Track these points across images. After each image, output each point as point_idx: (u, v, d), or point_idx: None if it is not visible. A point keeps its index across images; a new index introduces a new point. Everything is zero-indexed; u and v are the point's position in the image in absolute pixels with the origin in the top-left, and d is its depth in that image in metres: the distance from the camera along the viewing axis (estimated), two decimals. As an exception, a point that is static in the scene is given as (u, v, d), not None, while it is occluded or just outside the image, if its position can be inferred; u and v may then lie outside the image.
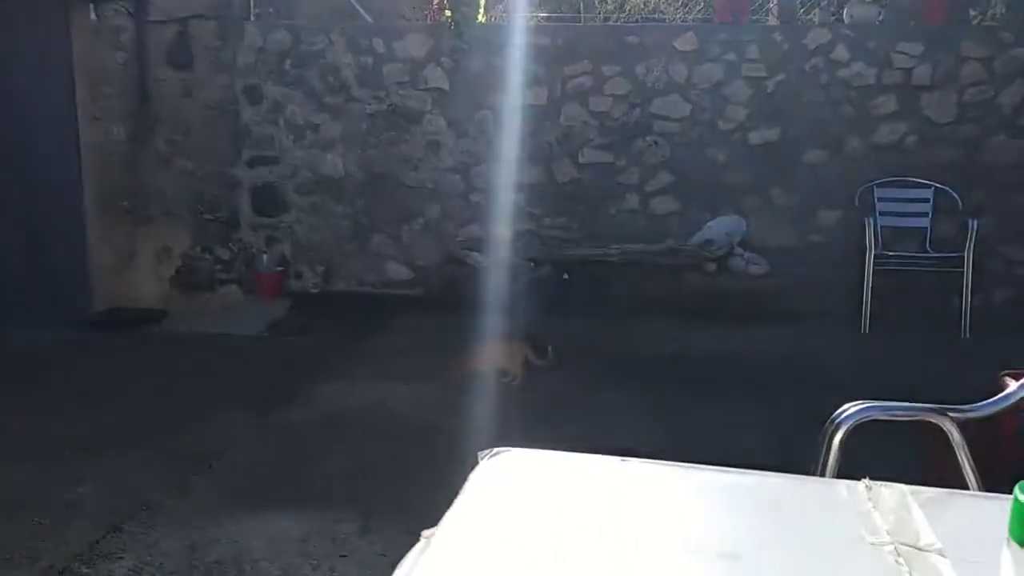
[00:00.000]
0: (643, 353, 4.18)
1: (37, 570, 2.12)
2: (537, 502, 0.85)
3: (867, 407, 1.54)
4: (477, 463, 0.92)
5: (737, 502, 0.88)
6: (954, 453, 2.39)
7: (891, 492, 0.87)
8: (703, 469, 0.94)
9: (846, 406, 1.55)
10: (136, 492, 2.58)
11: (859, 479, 0.97)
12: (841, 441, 1.50)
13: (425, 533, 0.77)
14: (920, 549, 0.71)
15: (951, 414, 1.54)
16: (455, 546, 0.75)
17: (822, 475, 1.50)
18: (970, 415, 1.57)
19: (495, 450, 0.97)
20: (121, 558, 2.18)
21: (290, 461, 2.89)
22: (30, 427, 3.14)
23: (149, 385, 3.68)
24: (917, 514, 0.79)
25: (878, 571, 0.70)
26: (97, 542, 2.27)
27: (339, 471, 2.79)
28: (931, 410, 1.55)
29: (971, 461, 1.54)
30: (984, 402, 1.60)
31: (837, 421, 1.53)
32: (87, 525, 2.36)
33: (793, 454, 3.01)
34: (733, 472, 0.93)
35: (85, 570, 2.13)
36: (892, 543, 0.72)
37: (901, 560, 0.70)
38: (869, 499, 0.84)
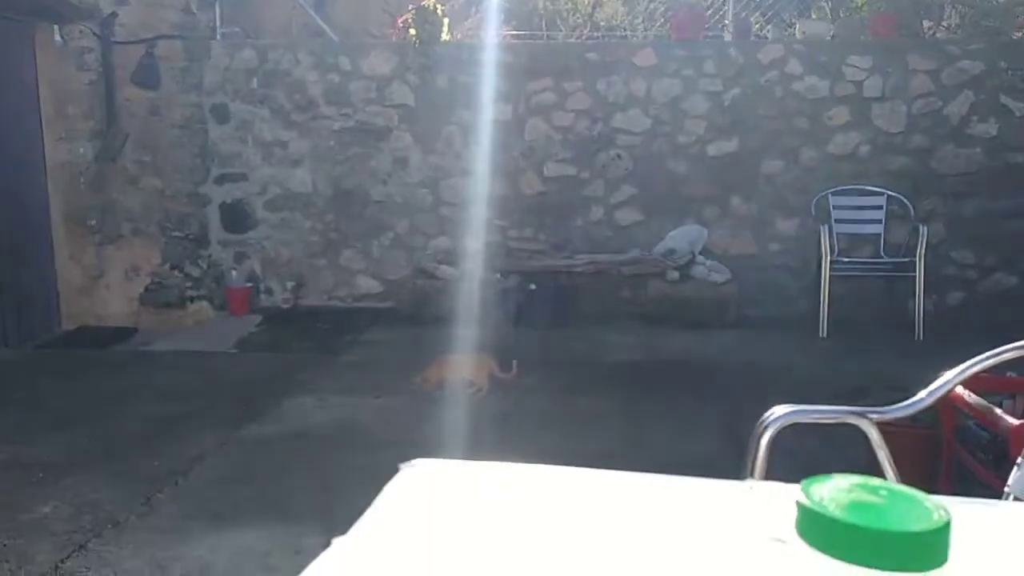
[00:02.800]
0: (608, 360, 4.27)
1: (1, 590, 2.15)
2: (447, 510, 0.89)
3: (792, 411, 1.63)
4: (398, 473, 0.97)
5: (640, 506, 0.93)
6: (912, 454, 2.50)
7: (771, 489, 0.93)
8: (618, 474, 0.99)
9: (773, 409, 1.64)
10: (101, 511, 2.61)
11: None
12: (768, 443, 1.60)
13: (335, 540, 0.81)
14: (780, 540, 0.79)
15: (870, 415, 1.63)
16: (361, 551, 0.80)
17: (752, 475, 1.58)
18: (888, 416, 1.66)
19: (413, 461, 1.02)
20: (86, 576, 2.22)
21: (257, 476, 2.93)
22: (-4, 448, 3.15)
23: (117, 403, 3.69)
24: (788, 509, 0.86)
25: (748, 565, 0.76)
26: (62, 561, 2.29)
27: (305, 485, 2.83)
28: (851, 412, 1.64)
29: (891, 460, 1.63)
30: (899, 404, 1.69)
31: (765, 424, 1.62)
32: (52, 545, 2.39)
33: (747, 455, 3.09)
34: (645, 476, 0.99)
35: (50, 589, 2.16)
36: (767, 539, 0.80)
37: (767, 553, 0.78)
38: (754, 498, 0.91)
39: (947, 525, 0.47)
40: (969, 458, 2.47)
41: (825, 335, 4.59)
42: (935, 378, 2.60)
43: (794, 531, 0.51)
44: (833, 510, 0.49)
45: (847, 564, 0.47)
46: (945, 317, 4.75)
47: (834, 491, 0.51)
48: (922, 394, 1.69)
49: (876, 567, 0.47)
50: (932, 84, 4.85)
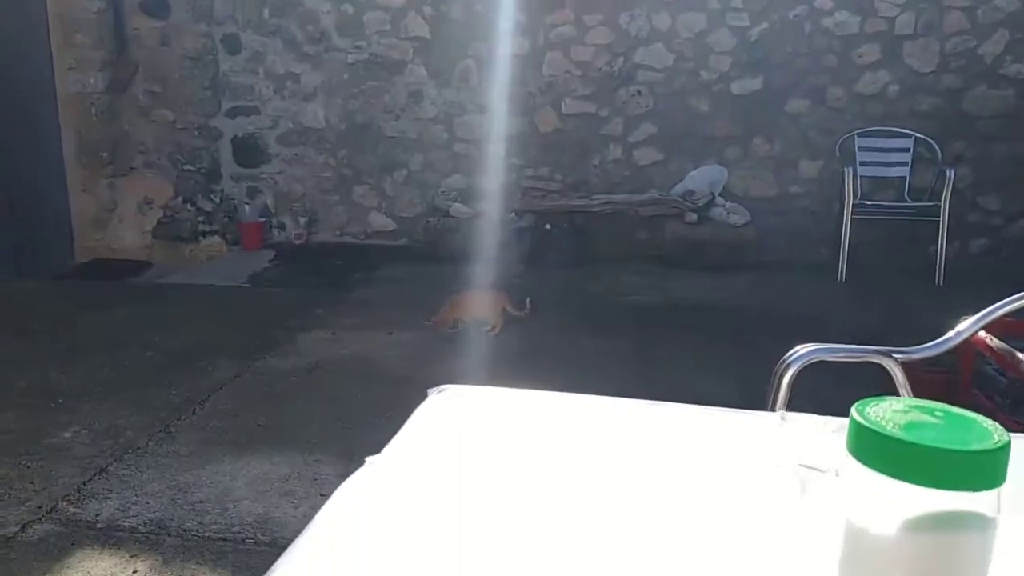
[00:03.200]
0: (623, 301, 4.25)
1: (26, 509, 2.19)
2: (478, 432, 0.89)
3: (815, 349, 1.60)
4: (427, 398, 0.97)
5: (664, 434, 0.92)
6: (925, 397, 2.44)
7: (805, 421, 0.92)
8: (641, 403, 0.98)
9: (796, 348, 1.61)
10: (121, 437, 2.65)
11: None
12: (790, 381, 1.57)
13: (369, 459, 0.82)
14: (817, 470, 0.77)
15: (895, 355, 1.60)
16: (396, 470, 0.80)
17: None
18: (914, 356, 1.63)
19: (443, 387, 1.01)
20: (108, 498, 2.25)
21: (273, 407, 2.95)
22: (13, 375, 3.18)
23: (134, 334, 3.71)
24: (825, 441, 0.85)
25: (775, 491, 0.75)
26: (84, 483, 2.33)
27: (320, 417, 2.86)
28: (876, 351, 1.61)
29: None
30: (926, 344, 1.65)
31: (787, 362, 1.59)
32: (74, 467, 2.43)
33: (760, 394, 3.10)
34: (671, 405, 0.98)
35: (73, 509, 2.20)
36: (795, 466, 0.78)
37: (798, 481, 0.76)
38: (784, 428, 0.89)
39: (1007, 445, 0.46)
40: (987, 402, 2.45)
41: (844, 279, 4.54)
42: (955, 323, 2.56)
43: (844, 452, 0.50)
44: (891, 429, 0.47)
45: (904, 483, 0.46)
46: (967, 264, 4.68)
47: (889, 411, 0.50)
48: (950, 334, 1.65)
49: (935, 486, 0.46)
50: (967, 21, 4.66)
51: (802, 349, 1.64)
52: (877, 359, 1.60)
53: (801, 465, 0.79)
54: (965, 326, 1.69)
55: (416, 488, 0.76)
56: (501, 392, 1.01)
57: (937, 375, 2.62)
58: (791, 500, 0.75)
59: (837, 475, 0.77)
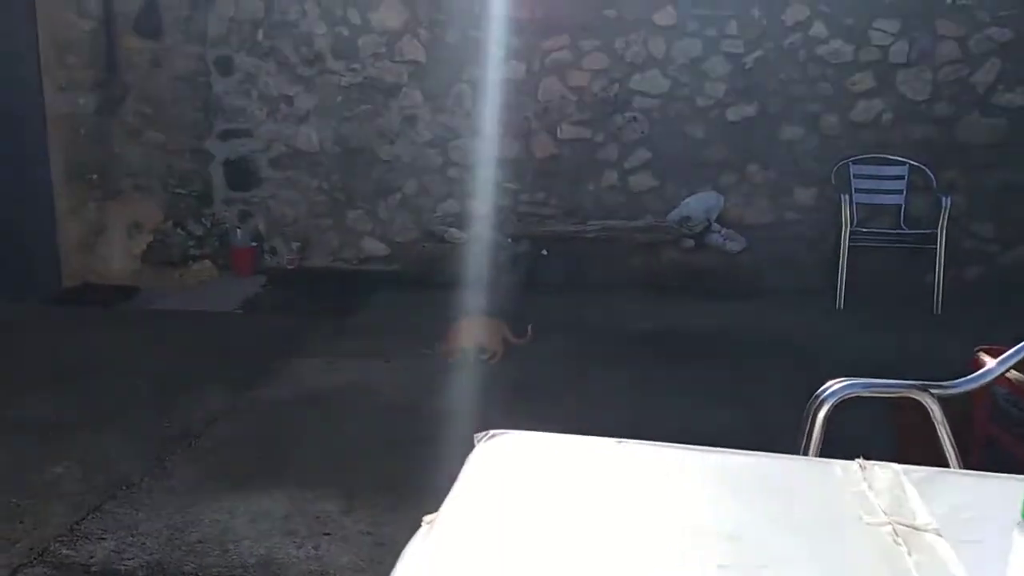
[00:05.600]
0: (621, 329, 4.21)
1: (16, 552, 2.09)
2: (537, 485, 0.85)
3: (850, 384, 1.55)
4: (473, 446, 0.91)
5: (735, 483, 0.88)
6: (926, 429, 2.44)
7: (884, 471, 0.87)
8: (698, 450, 0.94)
9: (829, 383, 1.55)
10: (114, 471, 2.55)
11: (849, 457, 0.98)
12: (825, 418, 1.52)
13: (426, 519, 0.77)
14: (917, 529, 0.71)
15: (933, 390, 1.56)
16: (458, 531, 0.75)
17: (806, 452, 1.51)
18: (951, 391, 1.59)
19: (491, 432, 0.96)
20: (103, 539, 2.16)
21: (270, 439, 2.87)
22: (1, 405, 3.07)
23: (123, 362, 3.62)
24: (912, 493, 0.79)
25: (876, 551, 0.70)
26: (78, 523, 2.24)
27: (320, 449, 2.78)
28: (913, 386, 1.57)
29: (951, 437, 1.56)
30: (965, 378, 1.62)
31: (821, 398, 1.53)
32: (66, 506, 2.33)
33: (768, 427, 3.07)
34: (729, 452, 0.94)
35: (66, 551, 2.10)
36: (889, 523, 0.73)
37: (899, 540, 0.70)
38: (864, 479, 0.84)
39: None
40: (1005, 435, 2.42)
41: (842, 307, 4.53)
42: (960, 354, 2.53)
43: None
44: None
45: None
46: (962, 291, 4.69)
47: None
48: (987, 367, 1.62)
49: None
50: (960, 51, 4.72)
51: (835, 384, 1.58)
52: (915, 394, 1.56)
53: (897, 522, 0.74)
54: (1004, 358, 1.65)
55: (489, 556, 0.70)
56: (551, 439, 0.96)
57: (951, 408, 2.59)
58: (892, 559, 0.70)
59: (939, 535, 0.73)
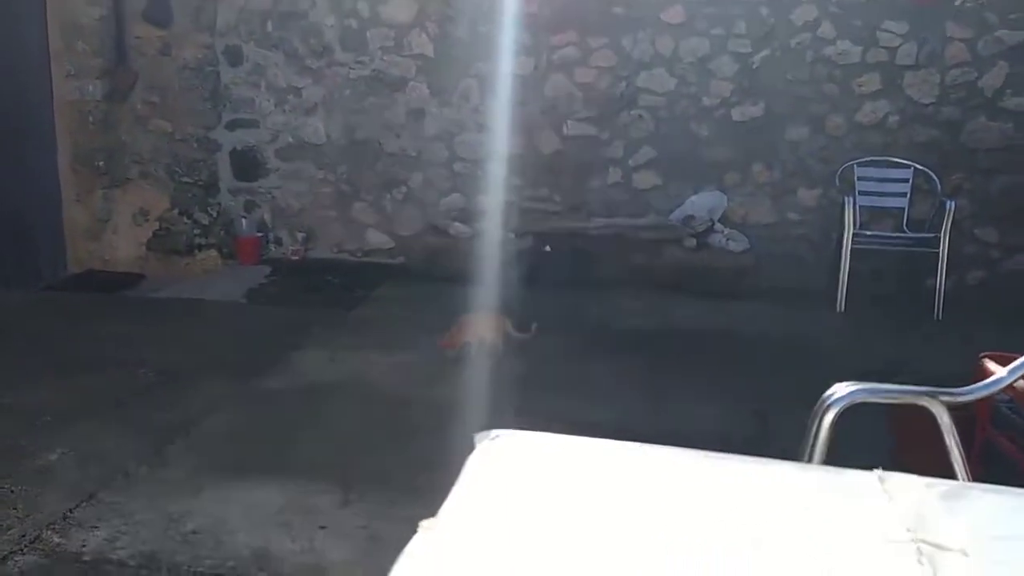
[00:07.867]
0: (623, 326, 4.21)
1: (8, 539, 2.12)
2: (537, 488, 0.80)
3: (857, 389, 1.49)
4: (473, 446, 0.88)
5: (745, 490, 0.82)
6: (926, 436, 2.42)
7: (906, 484, 0.80)
8: (705, 455, 0.89)
9: (835, 387, 1.50)
10: (111, 460, 2.58)
11: (848, 463, 0.93)
12: (832, 423, 1.46)
13: (423, 524, 0.72)
14: (942, 548, 0.67)
15: (942, 398, 1.51)
16: (458, 533, 0.71)
17: (811, 458, 1.46)
18: (962, 399, 1.55)
19: (492, 433, 0.90)
20: (95, 527, 2.19)
21: (268, 431, 2.89)
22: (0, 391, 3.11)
23: (125, 350, 3.64)
24: (936, 509, 0.74)
25: (901, 571, 0.65)
26: (71, 511, 2.26)
27: (318, 442, 2.80)
28: (922, 393, 1.52)
29: (960, 445, 1.50)
30: (974, 386, 1.58)
31: (827, 403, 1.48)
32: (60, 493, 2.36)
33: (768, 427, 3.06)
34: (738, 458, 0.90)
35: (58, 539, 2.13)
36: (913, 541, 0.68)
37: (923, 560, 0.65)
38: (884, 491, 0.79)
39: None
40: (1008, 444, 2.41)
41: (843, 309, 4.52)
42: (960, 359, 2.50)
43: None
44: None
45: None
46: (963, 296, 4.67)
47: None
48: (997, 376, 1.57)
49: None
50: (968, 53, 4.69)
51: (842, 389, 1.52)
52: (923, 401, 1.51)
53: (922, 540, 0.69)
54: (1008, 370, 1.60)
55: (489, 557, 0.68)
56: (552, 440, 0.92)
57: (954, 415, 2.58)
58: None
59: (965, 554, 0.65)
